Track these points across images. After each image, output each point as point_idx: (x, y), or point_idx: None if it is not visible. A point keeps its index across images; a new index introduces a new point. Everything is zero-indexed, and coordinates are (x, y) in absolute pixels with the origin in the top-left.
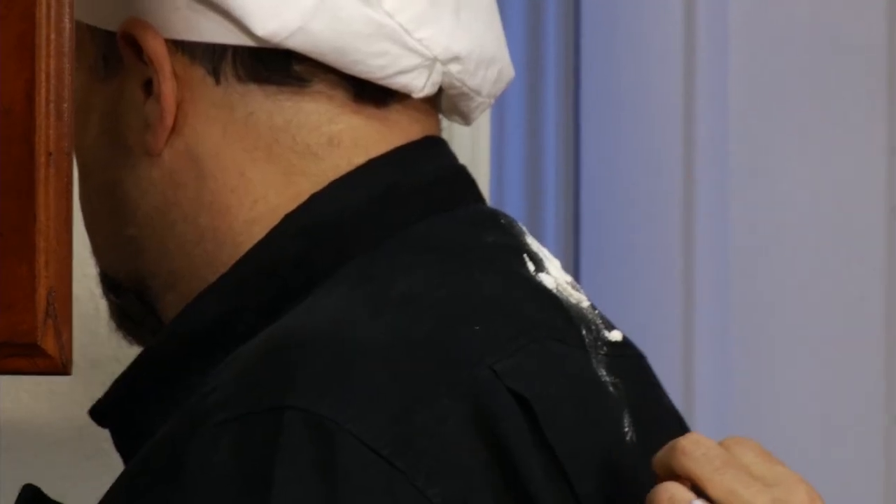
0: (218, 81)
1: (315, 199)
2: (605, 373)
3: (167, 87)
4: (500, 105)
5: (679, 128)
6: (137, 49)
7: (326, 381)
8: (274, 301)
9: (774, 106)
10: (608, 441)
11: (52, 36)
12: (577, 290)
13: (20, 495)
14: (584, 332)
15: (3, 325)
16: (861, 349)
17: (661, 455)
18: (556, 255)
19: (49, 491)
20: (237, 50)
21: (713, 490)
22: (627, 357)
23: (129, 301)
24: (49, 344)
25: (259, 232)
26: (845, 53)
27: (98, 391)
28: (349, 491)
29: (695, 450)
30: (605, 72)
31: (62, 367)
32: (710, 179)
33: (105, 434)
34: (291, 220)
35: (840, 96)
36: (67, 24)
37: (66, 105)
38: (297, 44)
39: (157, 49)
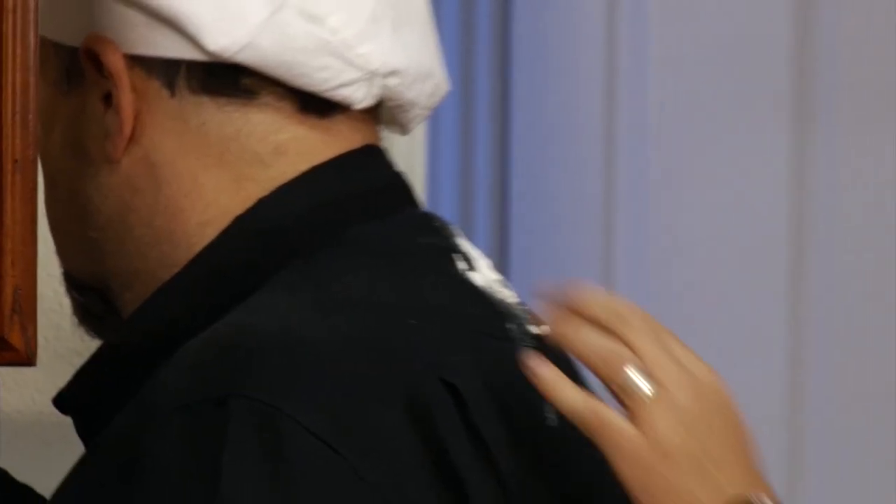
0: (173, 94)
1: (262, 203)
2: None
3: (126, 100)
4: (435, 116)
5: (600, 139)
6: (98, 63)
7: (274, 374)
8: (224, 301)
9: (690, 117)
10: (531, 425)
11: (18, 51)
12: (506, 287)
13: None
14: (510, 325)
15: None
16: (765, 345)
17: (598, 310)
18: (487, 255)
19: (14, 473)
20: (190, 64)
21: (645, 355)
22: (550, 348)
23: (92, 299)
24: (15, 337)
25: (211, 234)
26: (755, 73)
27: (61, 382)
28: (294, 475)
29: (636, 321)
30: (533, 86)
31: (27, 359)
32: (628, 187)
33: (68, 421)
34: (241, 224)
35: (749, 110)
36: (32, 40)
37: (31, 116)
38: (245, 58)
39: (116, 64)
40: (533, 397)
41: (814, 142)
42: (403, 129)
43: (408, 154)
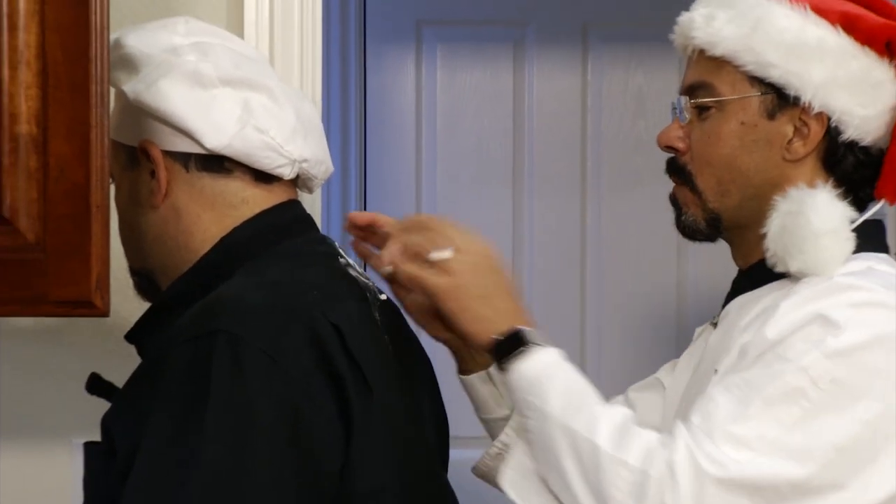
0: (188, 171)
1: (235, 230)
2: (378, 316)
3: (162, 174)
4: (327, 184)
5: (413, 202)
6: (147, 155)
7: (237, 318)
8: (213, 283)
9: (459, 185)
10: (379, 350)
11: (99, 148)
12: (365, 276)
13: (89, 379)
14: (368, 295)
15: (75, 294)
16: None
17: (411, 222)
18: (355, 260)
19: (107, 375)
20: (197, 155)
21: (448, 237)
22: (389, 308)
23: (143, 280)
24: (98, 301)
25: (207, 247)
26: (492, 161)
27: (128, 325)
28: (249, 373)
29: (434, 221)
30: (379, 169)
31: (105, 313)
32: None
33: (131, 347)
34: (223, 242)
35: (487, 180)
36: (106, 141)
37: (105, 181)
38: (227, 152)
39: (157, 155)
40: (379, 334)
41: (522, 200)
42: (310, 191)
43: (312, 203)
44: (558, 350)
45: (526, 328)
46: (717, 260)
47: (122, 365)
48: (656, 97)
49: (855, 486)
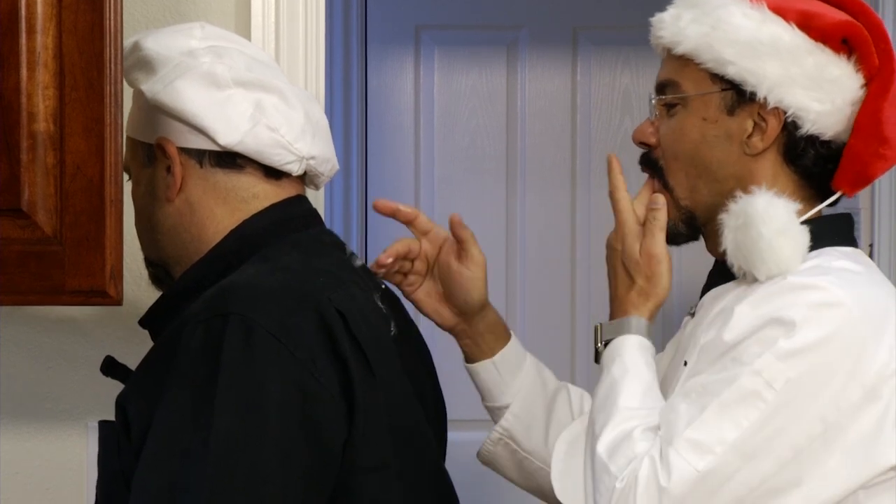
0: (202, 166)
1: (245, 222)
2: (380, 303)
3: (177, 170)
4: (331, 181)
5: (412, 185)
6: (163, 151)
7: (249, 302)
8: (225, 271)
9: (456, 183)
10: (381, 334)
11: (112, 145)
12: (366, 267)
13: (104, 361)
14: (369, 282)
15: (90, 284)
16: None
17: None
18: (355, 250)
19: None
20: (210, 152)
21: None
22: (389, 296)
23: (158, 270)
24: (112, 291)
25: (219, 238)
26: (488, 159)
27: (141, 311)
28: (258, 354)
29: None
30: (379, 166)
31: (118, 302)
32: (432, 211)
33: (143, 333)
34: (234, 233)
35: (483, 179)
36: (120, 139)
37: (119, 177)
38: (239, 149)
39: (173, 152)
40: (382, 319)
41: (514, 194)
42: (317, 187)
43: (315, 198)
44: (634, 342)
45: (609, 322)
46: (703, 251)
47: (134, 350)
48: (642, 97)
49: (813, 481)
